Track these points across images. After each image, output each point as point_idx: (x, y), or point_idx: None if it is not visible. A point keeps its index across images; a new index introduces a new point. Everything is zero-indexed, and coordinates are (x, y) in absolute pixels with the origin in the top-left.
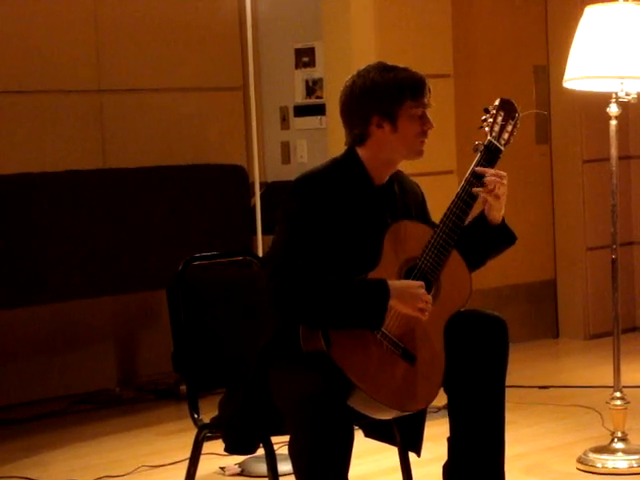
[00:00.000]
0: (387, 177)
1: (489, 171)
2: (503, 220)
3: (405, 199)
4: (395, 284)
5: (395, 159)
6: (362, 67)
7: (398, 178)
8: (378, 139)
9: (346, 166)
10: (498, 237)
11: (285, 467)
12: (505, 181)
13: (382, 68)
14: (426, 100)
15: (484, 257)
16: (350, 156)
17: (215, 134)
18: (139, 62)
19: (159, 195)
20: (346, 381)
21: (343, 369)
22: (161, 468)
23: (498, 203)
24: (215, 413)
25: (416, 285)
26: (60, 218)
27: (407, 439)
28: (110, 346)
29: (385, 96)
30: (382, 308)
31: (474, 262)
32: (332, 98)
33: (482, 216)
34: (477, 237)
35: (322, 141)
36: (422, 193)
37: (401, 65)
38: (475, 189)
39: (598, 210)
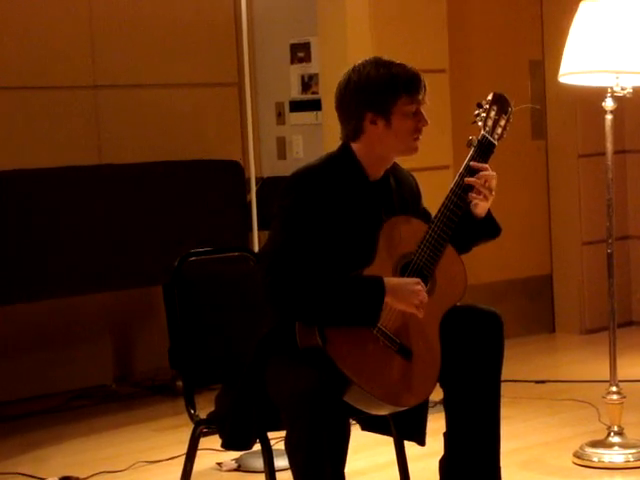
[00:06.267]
0: (382, 172)
1: (484, 166)
2: (489, 212)
3: (402, 193)
4: (391, 281)
5: (389, 155)
6: (358, 62)
7: (393, 171)
8: (372, 135)
9: (341, 162)
10: (482, 229)
11: (281, 462)
12: (494, 182)
13: (377, 63)
14: (421, 97)
15: (467, 246)
16: (345, 151)
17: (211, 130)
18: (134, 58)
19: (155, 191)
20: (342, 377)
21: (339, 365)
22: (158, 464)
23: (486, 202)
24: (212, 409)
25: (413, 282)
26: (56, 214)
27: (410, 429)
28: (107, 342)
29: (379, 93)
30: (377, 305)
31: (458, 249)
32: (328, 93)
33: (467, 209)
34: (461, 228)
35: (318, 136)
36: (417, 183)
37: (397, 61)
38: (471, 194)
39: (594, 204)
